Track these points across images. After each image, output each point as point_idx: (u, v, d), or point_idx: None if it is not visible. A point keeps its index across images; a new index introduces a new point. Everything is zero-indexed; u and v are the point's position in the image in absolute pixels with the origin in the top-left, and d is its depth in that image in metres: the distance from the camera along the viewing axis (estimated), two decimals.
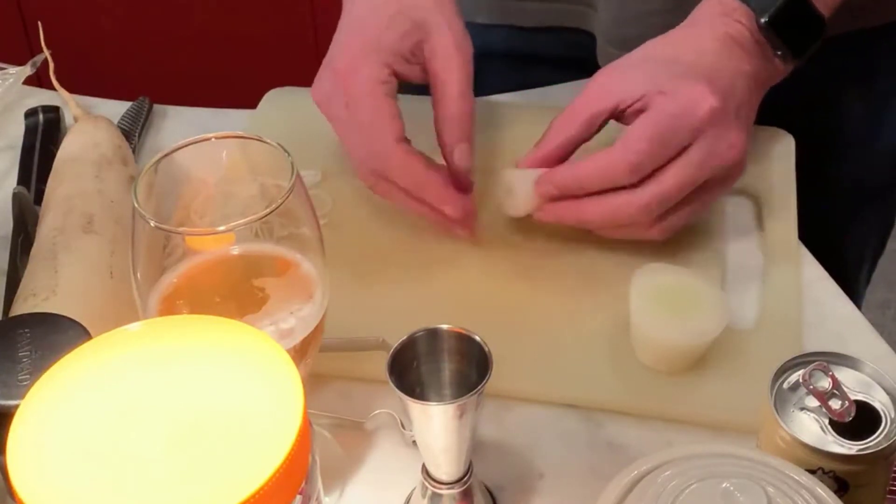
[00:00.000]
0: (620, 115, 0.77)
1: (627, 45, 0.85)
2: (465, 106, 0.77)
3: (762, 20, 0.77)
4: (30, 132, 0.94)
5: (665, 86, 0.74)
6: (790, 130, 0.89)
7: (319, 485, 0.52)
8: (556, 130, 0.78)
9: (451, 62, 0.78)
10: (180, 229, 0.60)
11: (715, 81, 0.75)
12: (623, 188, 0.74)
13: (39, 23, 0.95)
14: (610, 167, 0.74)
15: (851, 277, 1.06)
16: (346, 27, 0.80)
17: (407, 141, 0.76)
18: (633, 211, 0.74)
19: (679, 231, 0.78)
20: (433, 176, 0.76)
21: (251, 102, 0.96)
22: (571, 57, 0.97)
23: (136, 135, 0.94)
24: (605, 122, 0.78)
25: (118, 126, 0.90)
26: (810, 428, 0.58)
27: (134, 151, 0.91)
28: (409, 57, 0.78)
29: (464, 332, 0.60)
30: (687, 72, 0.75)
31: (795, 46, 0.78)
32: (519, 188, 0.78)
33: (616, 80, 0.78)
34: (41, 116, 0.96)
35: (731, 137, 0.74)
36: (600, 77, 0.79)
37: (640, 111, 0.75)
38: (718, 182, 0.76)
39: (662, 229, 0.76)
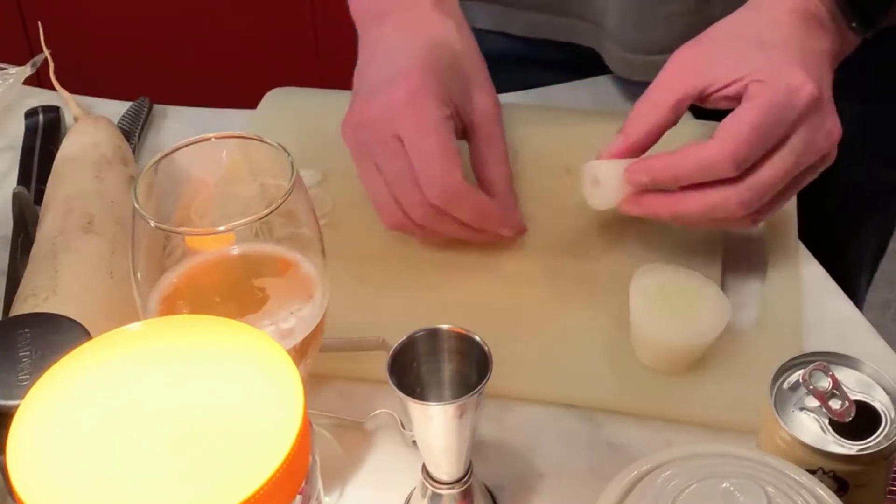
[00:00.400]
0: (706, 98, 0.74)
1: (653, 48, 0.85)
2: (509, 168, 0.80)
3: None
4: (30, 132, 0.94)
5: (761, 72, 0.71)
6: None
7: (319, 485, 0.52)
8: (641, 117, 0.75)
9: (497, 124, 0.80)
10: (180, 229, 0.60)
11: (808, 65, 0.72)
12: (720, 181, 0.71)
13: (39, 23, 0.95)
14: (711, 161, 0.70)
15: (853, 278, 1.06)
16: (393, 56, 0.78)
17: None
18: (733, 206, 0.71)
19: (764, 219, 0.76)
20: (493, 205, 0.77)
21: (251, 102, 0.96)
22: (572, 61, 0.97)
23: (136, 135, 0.94)
24: (689, 105, 0.75)
25: (118, 126, 0.90)
26: (810, 428, 0.58)
27: (134, 151, 0.91)
28: (459, 111, 0.78)
29: (464, 332, 0.60)
30: (779, 55, 0.72)
31: (867, 17, 0.75)
32: (607, 179, 0.75)
33: (702, 61, 0.74)
34: (41, 116, 0.96)
35: (828, 125, 0.72)
36: (681, 57, 0.75)
37: (733, 97, 0.72)
38: (812, 169, 0.74)
39: (756, 220, 0.74)
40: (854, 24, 0.75)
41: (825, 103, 0.72)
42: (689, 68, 0.74)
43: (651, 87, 0.75)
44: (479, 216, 0.76)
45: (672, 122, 0.75)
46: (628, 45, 0.92)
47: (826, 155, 0.74)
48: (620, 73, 0.95)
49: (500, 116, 0.81)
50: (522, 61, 0.99)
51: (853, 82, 0.93)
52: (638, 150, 0.75)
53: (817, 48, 0.74)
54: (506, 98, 0.97)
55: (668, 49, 0.77)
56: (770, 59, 0.72)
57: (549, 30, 0.96)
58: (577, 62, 0.97)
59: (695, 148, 0.71)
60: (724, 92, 0.73)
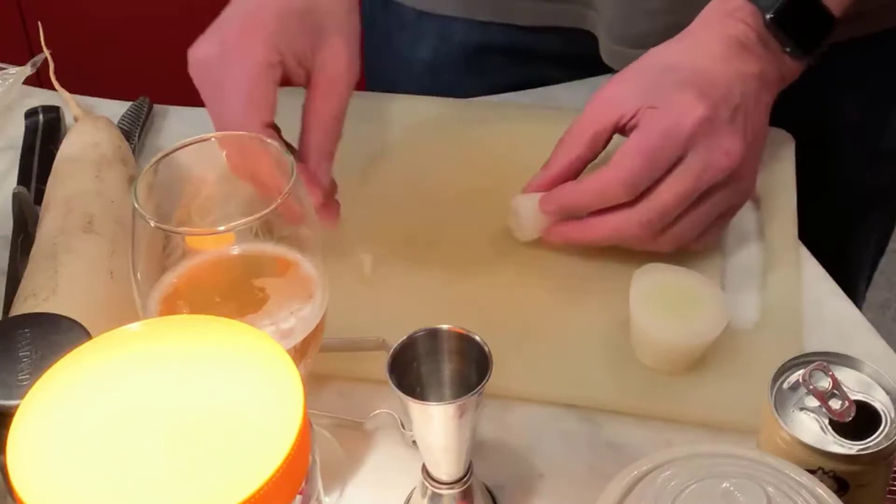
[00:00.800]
0: (622, 130, 0.77)
1: (636, 42, 0.86)
2: (336, 128, 0.76)
3: (767, 16, 0.76)
4: (30, 132, 0.94)
5: (656, 100, 0.75)
6: (790, 131, 0.89)
7: (319, 485, 0.52)
8: (562, 151, 0.78)
9: (337, 83, 0.76)
10: (180, 229, 0.60)
11: (707, 90, 0.74)
12: (623, 205, 0.74)
13: (39, 23, 0.95)
14: (605, 186, 0.74)
15: (852, 278, 1.06)
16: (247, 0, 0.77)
17: (275, 129, 0.74)
18: (634, 229, 0.75)
19: (692, 240, 0.78)
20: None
21: None
22: (573, 54, 0.97)
23: (137, 135, 0.94)
24: (609, 138, 0.78)
25: (118, 126, 0.90)
26: (810, 428, 0.58)
27: (134, 152, 0.91)
28: (301, 59, 0.76)
29: (464, 332, 0.60)
30: (680, 81, 0.75)
31: (803, 42, 0.77)
32: (525, 213, 0.78)
33: (617, 94, 0.78)
34: (41, 116, 0.95)
35: (726, 144, 0.74)
36: (603, 91, 0.79)
37: (635, 127, 0.75)
38: (721, 189, 0.76)
39: (669, 241, 0.76)
40: (788, 49, 0.77)
41: (720, 124, 0.74)
42: (606, 102, 0.78)
43: (574, 120, 0.78)
44: (267, 175, 0.69)
45: (591, 155, 0.78)
46: (615, 36, 0.92)
47: (733, 174, 0.75)
48: (609, 62, 0.95)
49: (346, 82, 0.77)
50: (525, 54, 0.99)
51: (853, 83, 0.93)
52: (559, 183, 0.78)
53: (736, 72, 0.76)
54: (507, 98, 0.97)
55: (650, 44, 0.80)
56: (667, 85, 0.75)
57: (553, 16, 0.96)
58: (578, 56, 0.97)
59: (592, 176, 0.75)
60: (631, 123, 0.76)
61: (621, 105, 0.76)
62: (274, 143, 0.61)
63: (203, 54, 0.75)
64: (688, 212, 0.75)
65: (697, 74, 0.76)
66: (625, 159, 0.74)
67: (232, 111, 0.73)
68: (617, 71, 0.95)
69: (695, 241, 0.78)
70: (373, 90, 1.05)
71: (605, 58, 0.95)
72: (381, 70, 0.98)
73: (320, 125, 0.76)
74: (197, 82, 0.76)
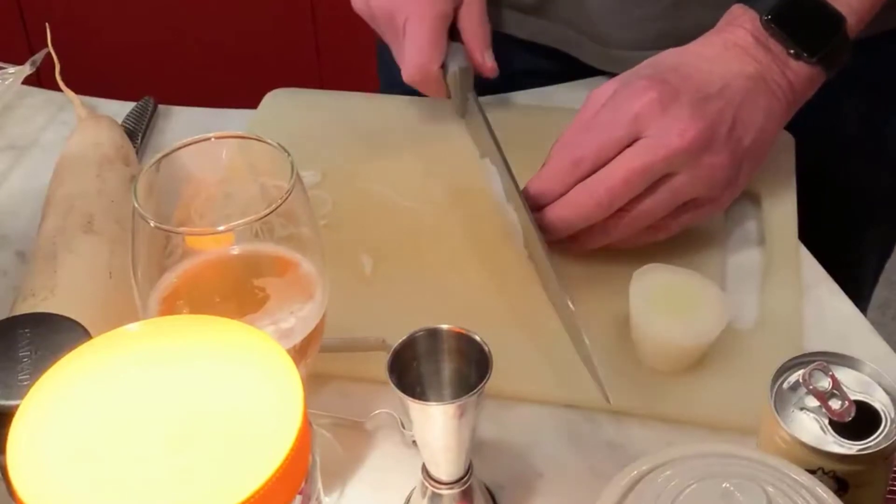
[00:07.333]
0: None
1: (635, 45, 0.86)
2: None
3: (764, 17, 0.77)
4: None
5: (618, 88, 0.76)
6: (791, 131, 0.89)
7: (319, 485, 0.52)
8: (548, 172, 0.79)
9: (478, 32, 0.90)
10: (180, 229, 0.60)
11: (670, 77, 0.75)
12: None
13: (47, 24, 0.95)
14: (559, 168, 0.75)
15: (856, 279, 1.06)
16: None
17: (442, 67, 0.87)
18: (590, 205, 0.74)
19: (654, 228, 0.78)
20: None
21: (251, 102, 0.96)
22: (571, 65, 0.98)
23: (141, 135, 0.94)
24: None
25: (122, 126, 0.90)
26: (810, 428, 0.58)
27: (138, 152, 0.91)
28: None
29: (464, 332, 0.60)
30: (646, 73, 0.76)
31: (808, 42, 0.77)
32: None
33: (596, 94, 0.78)
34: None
35: (680, 126, 0.73)
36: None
37: None
38: (679, 175, 0.74)
39: (629, 226, 0.76)
40: (792, 52, 0.77)
41: (677, 107, 0.74)
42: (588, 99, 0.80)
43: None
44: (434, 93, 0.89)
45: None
46: (613, 41, 0.92)
47: (693, 159, 0.74)
48: (603, 67, 0.95)
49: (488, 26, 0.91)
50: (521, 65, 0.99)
51: (854, 84, 0.93)
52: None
53: (727, 71, 0.76)
54: (506, 98, 0.97)
55: (648, 46, 0.81)
56: (633, 76, 0.77)
57: (519, 29, 0.97)
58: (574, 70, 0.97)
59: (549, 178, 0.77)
60: None
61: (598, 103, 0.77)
62: (274, 143, 0.61)
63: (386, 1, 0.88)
64: (644, 197, 0.75)
65: (670, 69, 0.76)
66: (573, 138, 0.76)
67: (416, 53, 0.86)
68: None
69: (656, 231, 0.78)
70: (384, 82, 1.05)
71: (599, 64, 0.95)
72: (393, 62, 0.97)
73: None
74: (378, 22, 0.89)
